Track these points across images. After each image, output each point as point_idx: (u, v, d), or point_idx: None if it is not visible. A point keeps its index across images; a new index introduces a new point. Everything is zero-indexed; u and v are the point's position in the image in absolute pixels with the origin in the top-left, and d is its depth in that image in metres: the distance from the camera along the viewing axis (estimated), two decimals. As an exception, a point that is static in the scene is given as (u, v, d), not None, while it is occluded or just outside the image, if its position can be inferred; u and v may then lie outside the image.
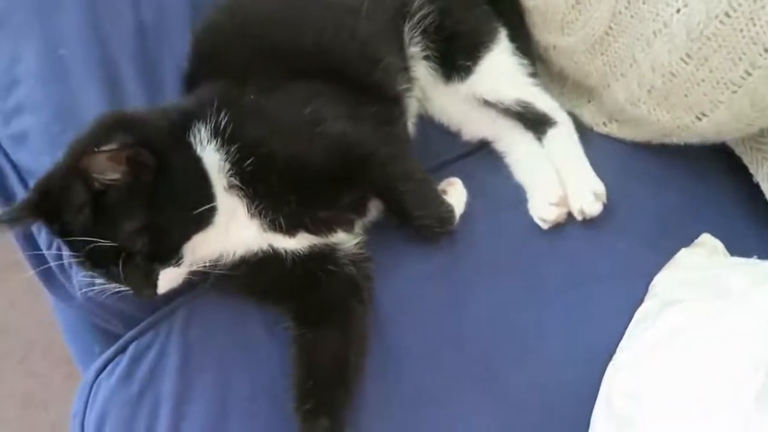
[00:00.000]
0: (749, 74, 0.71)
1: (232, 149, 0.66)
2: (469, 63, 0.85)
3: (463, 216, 0.81)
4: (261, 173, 0.67)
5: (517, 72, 0.88)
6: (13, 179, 0.79)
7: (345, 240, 0.74)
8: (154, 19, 0.86)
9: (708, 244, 0.80)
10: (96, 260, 0.62)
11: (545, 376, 0.71)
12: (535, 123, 0.87)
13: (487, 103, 0.88)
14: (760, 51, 0.68)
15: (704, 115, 0.78)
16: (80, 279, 0.74)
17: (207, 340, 0.70)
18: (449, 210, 0.79)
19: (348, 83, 0.76)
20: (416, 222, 0.76)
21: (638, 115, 0.85)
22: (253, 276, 0.71)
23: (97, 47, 0.82)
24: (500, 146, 0.90)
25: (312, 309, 0.71)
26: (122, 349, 0.72)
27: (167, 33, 0.85)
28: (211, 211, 0.65)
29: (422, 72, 0.87)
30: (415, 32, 0.84)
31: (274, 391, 0.67)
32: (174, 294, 0.73)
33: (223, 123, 0.67)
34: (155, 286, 0.62)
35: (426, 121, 0.91)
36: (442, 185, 0.82)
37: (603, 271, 0.78)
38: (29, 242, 0.78)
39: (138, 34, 0.84)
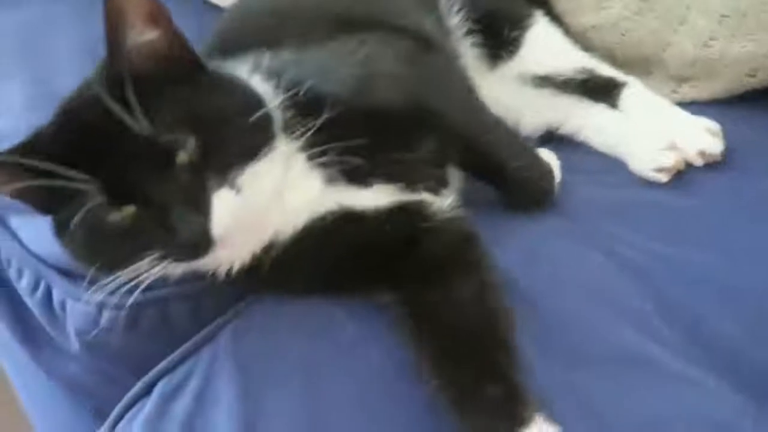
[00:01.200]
0: None
1: (283, 83, 0.51)
2: (515, 33, 0.76)
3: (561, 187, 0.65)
4: (318, 109, 0.50)
5: (567, 41, 0.78)
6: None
7: (434, 200, 0.55)
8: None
9: None
10: (126, 184, 0.42)
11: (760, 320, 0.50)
12: (604, 90, 0.76)
13: (544, 81, 0.77)
14: None
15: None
16: (79, 320, 0.52)
17: (271, 351, 0.47)
18: (548, 165, 0.63)
19: (396, 35, 0.64)
20: (512, 176, 0.60)
21: (713, 59, 0.76)
22: (323, 258, 0.50)
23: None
24: (568, 127, 0.77)
25: (422, 272, 0.51)
26: (145, 392, 0.47)
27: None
28: (268, 124, 0.48)
29: (467, 56, 0.76)
30: (454, 3, 0.75)
31: (388, 386, 0.44)
32: (212, 315, 0.51)
33: (266, 63, 0.53)
34: (207, 212, 0.41)
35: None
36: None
37: (762, 208, 0.61)
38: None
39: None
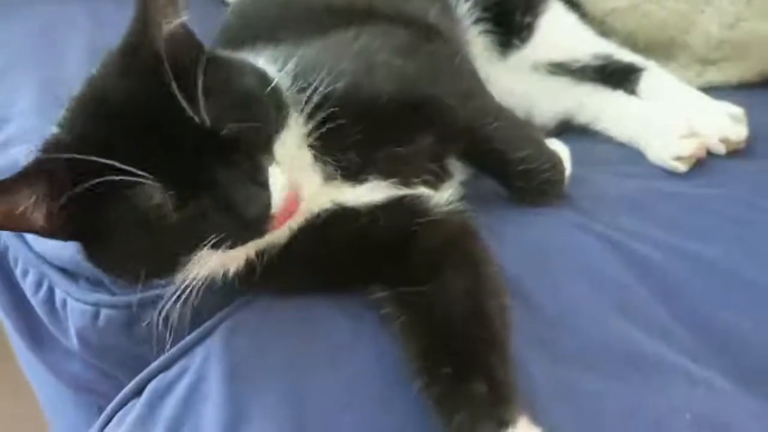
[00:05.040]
0: None
1: (284, 70, 0.50)
2: (528, 19, 0.73)
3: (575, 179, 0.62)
4: (314, 104, 0.49)
5: (583, 26, 0.75)
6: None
7: (432, 194, 0.54)
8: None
9: None
10: (191, 177, 0.42)
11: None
12: (622, 75, 0.72)
13: (559, 68, 0.74)
14: None
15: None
16: (79, 319, 0.52)
17: (261, 351, 0.46)
18: (558, 157, 0.60)
19: (397, 25, 0.62)
20: (519, 169, 0.57)
21: (742, 40, 0.71)
22: (319, 254, 0.49)
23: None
24: (585, 115, 0.73)
25: (416, 268, 0.49)
26: (136, 392, 0.47)
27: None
28: (280, 96, 0.47)
29: (476, 45, 0.74)
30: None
31: (376, 389, 0.43)
32: (207, 314, 0.51)
33: (268, 53, 0.52)
34: (267, 186, 0.42)
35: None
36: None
37: None
38: (7, 292, 0.57)
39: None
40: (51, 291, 0.55)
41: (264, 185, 0.42)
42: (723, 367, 0.46)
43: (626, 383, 0.44)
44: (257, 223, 0.42)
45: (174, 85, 0.41)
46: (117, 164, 0.39)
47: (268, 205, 0.41)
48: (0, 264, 0.60)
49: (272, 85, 0.46)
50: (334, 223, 0.49)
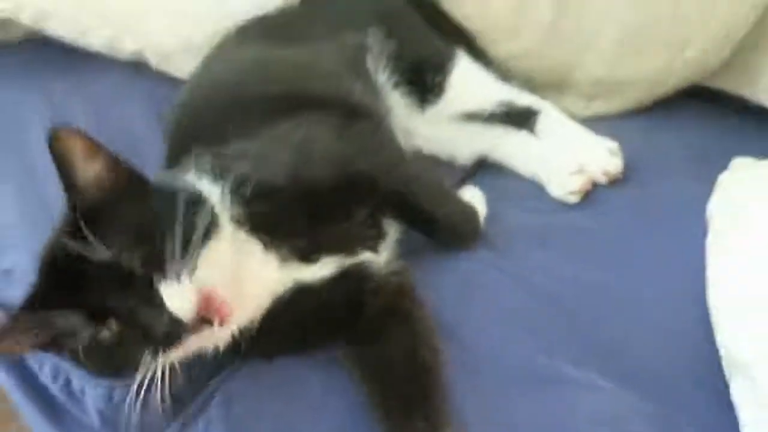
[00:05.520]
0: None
1: (227, 182, 0.60)
2: (439, 78, 0.84)
3: (491, 216, 0.76)
4: (263, 200, 0.60)
5: (486, 76, 0.87)
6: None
7: (373, 259, 0.66)
8: (121, 128, 0.84)
9: (743, 164, 0.76)
10: (102, 305, 0.52)
11: (646, 324, 0.62)
12: (523, 118, 0.85)
13: (470, 116, 0.86)
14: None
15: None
16: (98, 400, 0.63)
17: (254, 416, 0.58)
18: (471, 207, 0.73)
19: (327, 111, 0.73)
20: (441, 222, 0.70)
21: (619, 77, 0.86)
22: (288, 325, 0.61)
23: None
24: (497, 155, 0.86)
25: (365, 329, 0.61)
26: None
27: (136, 139, 0.83)
28: (211, 220, 0.56)
29: (398, 104, 0.85)
30: (379, 62, 0.83)
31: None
32: (203, 383, 0.63)
33: (211, 164, 0.62)
34: (161, 303, 0.51)
35: (418, 159, 0.88)
36: (456, 194, 0.77)
37: (656, 217, 0.72)
38: (27, 381, 0.68)
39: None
40: (68, 380, 0.65)
41: (156, 304, 0.50)
42: (610, 372, 0.60)
43: (534, 399, 0.57)
44: (173, 334, 0.51)
45: (63, 235, 0.52)
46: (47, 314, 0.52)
47: (174, 320, 0.50)
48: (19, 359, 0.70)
49: (193, 201, 0.56)
50: (297, 298, 0.61)
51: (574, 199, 0.76)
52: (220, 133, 0.68)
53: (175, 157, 0.71)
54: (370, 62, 0.83)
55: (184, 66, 0.90)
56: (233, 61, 0.82)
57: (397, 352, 0.59)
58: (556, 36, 0.88)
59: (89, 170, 0.54)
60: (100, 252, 0.51)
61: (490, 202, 0.77)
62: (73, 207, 0.53)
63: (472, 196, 0.77)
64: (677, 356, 0.61)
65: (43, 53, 0.98)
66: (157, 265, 0.52)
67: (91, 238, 0.51)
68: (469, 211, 0.73)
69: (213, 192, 0.59)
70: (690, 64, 0.84)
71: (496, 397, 0.57)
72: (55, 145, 0.52)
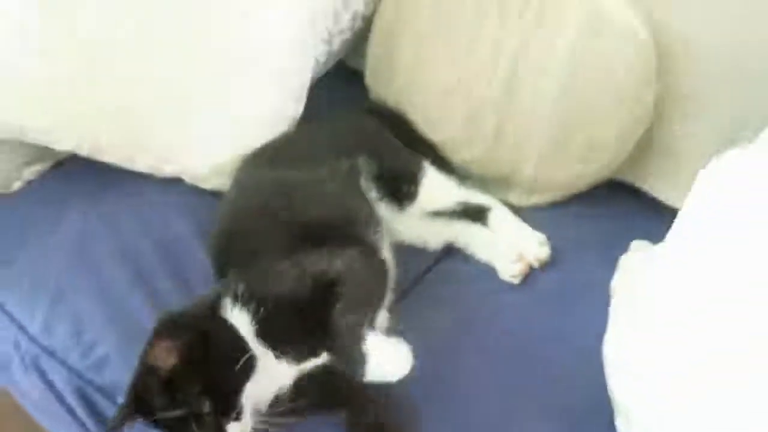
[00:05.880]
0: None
1: (251, 308, 0.83)
2: (412, 188, 1.10)
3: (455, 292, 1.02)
4: (273, 319, 0.83)
5: (448, 183, 1.13)
6: (102, 403, 0.95)
7: None
8: (167, 236, 1.09)
9: (640, 246, 1.02)
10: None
11: (566, 369, 0.90)
12: (477, 214, 1.11)
13: (437, 213, 1.12)
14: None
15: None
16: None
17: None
18: (361, 357, 0.79)
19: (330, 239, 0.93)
20: (333, 351, 0.85)
21: (548, 178, 1.12)
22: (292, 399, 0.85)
23: (131, 265, 1.04)
24: (460, 243, 1.12)
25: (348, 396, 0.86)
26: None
27: (182, 242, 1.08)
28: (251, 361, 0.81)
29: (384, 210, 1.10)
30: (369, 182, 1.08)
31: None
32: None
33: (240, 291, 0.84)
34: None
35: (399, 246, 1.13)
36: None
37: (575, 292, 0.98)
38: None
39: (159, 248, 1.06)
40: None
41: None
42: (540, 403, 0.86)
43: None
44: None
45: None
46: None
47: None
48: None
49: (232, 341, 0.81)
50: (304, 380, 0.86)
51: (516, 280, 1.02)
52: (250, 258, 0.91)
53: (219, 274, 0.96)
54: (363, 183, 1.08)
55: (216, 184, 1.16)
56: (256, 187, 1.06)
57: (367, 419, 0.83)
58: (499, 144, 1.14)
59: (167, 364, 0.77)
60: (176, 410, 0.76)
61: (453, 283, 1.04)
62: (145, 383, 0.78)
63: (396, 348, 0.81)
64: (587, 394, 0.84)
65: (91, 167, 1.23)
66: (221, 410, 0.77)
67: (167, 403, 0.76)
68: (359, 359, 0.79)
69: (242, 321, 0.82)
70: (599, 168, 1.10)
71: None
72: (149, 352, 0.77)
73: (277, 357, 0.84)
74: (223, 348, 0.81)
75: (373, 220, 1.04)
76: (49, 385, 0.97)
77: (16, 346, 1.01)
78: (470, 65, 1.10)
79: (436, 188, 1.13)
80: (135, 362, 0.79)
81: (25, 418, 1.12)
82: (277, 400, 0.85)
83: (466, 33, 1.10)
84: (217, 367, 0.80)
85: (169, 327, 0.80)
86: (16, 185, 1.27)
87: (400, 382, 0.79)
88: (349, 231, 0.97)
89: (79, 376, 0.95)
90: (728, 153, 0.71)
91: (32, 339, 0.99)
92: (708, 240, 0.69)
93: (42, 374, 0.97)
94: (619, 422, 0.80)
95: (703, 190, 0.72)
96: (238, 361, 0.80)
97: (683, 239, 0.74)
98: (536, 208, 1.15)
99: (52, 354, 0.97)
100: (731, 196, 0.68)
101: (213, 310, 0.85)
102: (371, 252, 0.96)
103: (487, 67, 1.08)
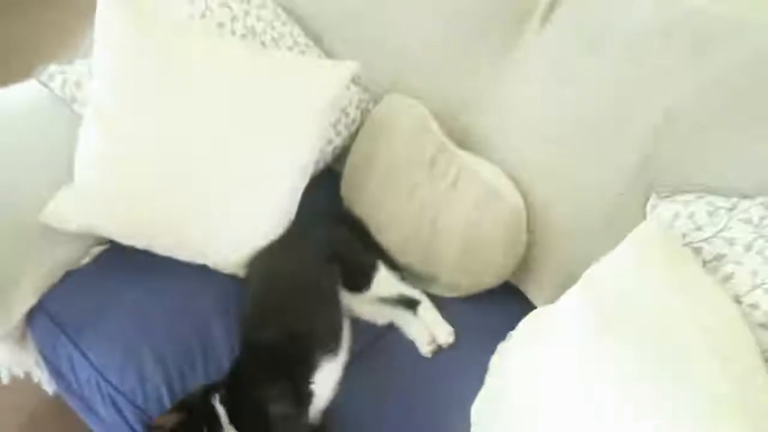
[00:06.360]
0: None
1: (227, 405, 1.31)
2: (367, 281, 1.61)
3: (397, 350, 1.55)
4: (239, 414, 1.32)
5: (393, 279, 1.65)
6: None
7: None
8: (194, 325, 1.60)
9: (514, 335, 1.55)
10: None
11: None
12: (410, 304, 1.63)
13: (383, 299, 1.65)
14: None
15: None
16: None
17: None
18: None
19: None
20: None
21: (456, 281, 1.66)
22: None
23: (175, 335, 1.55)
24: (398, 323, 1.64)
25: None
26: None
27: (209, 335, 1.58)
28: None
29: (346, 294, 1.62)
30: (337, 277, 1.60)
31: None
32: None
33: (222, 392, 1.34)
34: None
35: (355, 320, 1.64)
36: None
37: (469, 363, 1.49)
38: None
39: (193, 319, 1.58)
40: None
41: None
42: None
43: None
44: None
45: None
46: None
47: None
48: None
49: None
50: None
51: (428, 354, 1.55)
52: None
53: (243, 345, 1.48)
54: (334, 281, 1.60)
55: (234, 271, 1.66)
56: (266, 283, 1.57)
57: None
58: (426, 259, 1.67)
59: (167, 425, 1.28)
60: None
61: (396, 348, 1.57)
62: None
63: None
64: None
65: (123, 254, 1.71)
66: None
67: None
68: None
69: (221, 411, 1.28)
70: (489, 281, 1.63)
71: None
72: (161, 417, 1.30)
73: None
74: (208, 424, 1.29)
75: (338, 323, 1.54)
76: (122, 416, 1.49)
77: (98, 387, 1.52)
78: (408, 208, 1.63)
79: (383, 282, 1.63)
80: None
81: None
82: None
83: (406, 186, 1.62)
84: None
85: (177, 404, 1.33)
86: (84, 261, 1.76)
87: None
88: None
89: (143, 411, 1.47)
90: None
91: (109, 383, 1.51)
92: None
93: (118, 410, 1.49)
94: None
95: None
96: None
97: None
98: (453, 299, 1.69)
99: (124, 395, 1.49)
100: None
101: (207, 397, 1.34)
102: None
103: (417, 213, 1.61)
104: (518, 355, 1.24)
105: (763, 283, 1.18)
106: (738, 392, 0.97)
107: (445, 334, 1.57)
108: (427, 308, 1.63)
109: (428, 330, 1.58)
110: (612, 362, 1.03)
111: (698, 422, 0.90)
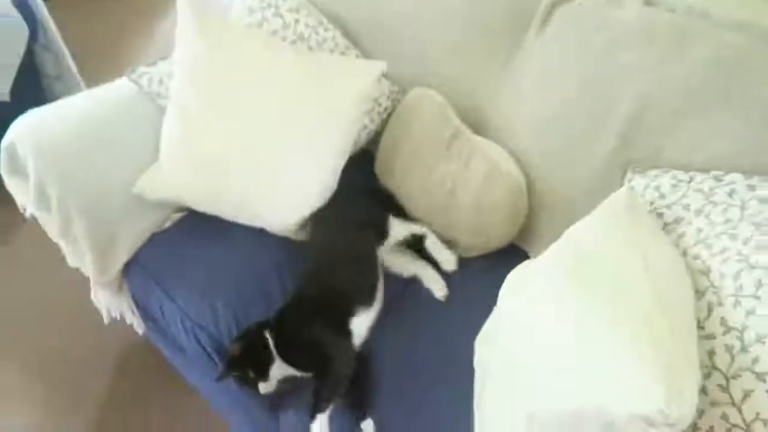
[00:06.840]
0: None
1: (276, 338, 1.68)
2: (384, 230, 1.91)
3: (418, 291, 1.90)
4: (285, 346, 1.68)
5: (404, 223, 1.96)
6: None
7: None
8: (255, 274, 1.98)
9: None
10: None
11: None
12: (418, 239, 1.96)
13: (402, 251, 1.99)
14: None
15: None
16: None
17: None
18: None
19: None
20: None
21: (473, 244, 1.99)
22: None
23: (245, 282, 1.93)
24: (419, 274, 1.95)
25: None
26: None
27: (268, 285, 1.96)
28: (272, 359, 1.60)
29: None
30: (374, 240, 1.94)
31: None
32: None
33: (273, 326, 1.71)
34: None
35: (387, 276, 1.98)
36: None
37: (479, 304, 1.81)
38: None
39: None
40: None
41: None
42: None
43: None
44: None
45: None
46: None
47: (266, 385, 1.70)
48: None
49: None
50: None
51: (443, 299, 1.89)
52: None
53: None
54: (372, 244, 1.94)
55: (290, 233, 2.01)
56: (317, 247, 1.90)
57: None
58: (446, 225, 2.01)
59: (234, 352, 1.69)
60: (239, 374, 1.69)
61: (420, 294, 1.92)
62: None
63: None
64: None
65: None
66: (258, 376, 1.64)
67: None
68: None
69: (271, 341, 1.63)
70: (496, 242, 1.96)
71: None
72: (231, 346, 1.71)
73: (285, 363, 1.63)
74: (261, 350, 1.65)
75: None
76: (201, 345, 1.89)
77: (183, 324, 1.93)
78: (430, 182, 1.97)
79: (396, 227, 1.90)
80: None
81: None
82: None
83: (428, 163, 1.96)
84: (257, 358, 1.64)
85: (238, 335, 1.72)
86: (167, 225, 2.17)
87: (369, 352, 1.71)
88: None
89: (218, 341, 1.87)
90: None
91: (191, 320, 1.91)
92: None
93: (198, 341, 1.89)
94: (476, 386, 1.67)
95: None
96: (269, 358, 1.67)
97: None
98: (471, 259, 2.01)
99: (201, 327, 1.89)
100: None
101: (261, 331, 1.70)
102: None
103: (438, 185, 1.95)
104: (508, 296, 1.57)
105: (706, 239, 1.47)
106: (666, 319, 1.27)
107: (447, 261, 1.90)
108: (433, 241, 1.95)
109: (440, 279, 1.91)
110: (572, 301, 1.33)
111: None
